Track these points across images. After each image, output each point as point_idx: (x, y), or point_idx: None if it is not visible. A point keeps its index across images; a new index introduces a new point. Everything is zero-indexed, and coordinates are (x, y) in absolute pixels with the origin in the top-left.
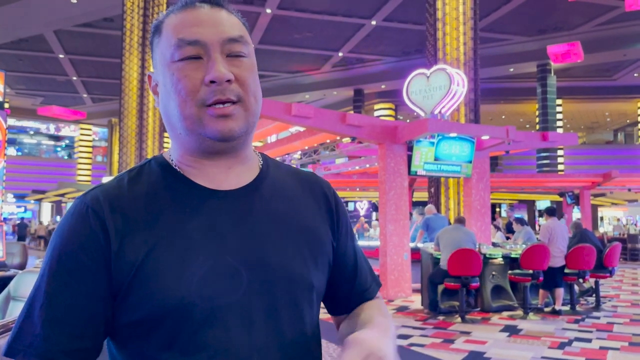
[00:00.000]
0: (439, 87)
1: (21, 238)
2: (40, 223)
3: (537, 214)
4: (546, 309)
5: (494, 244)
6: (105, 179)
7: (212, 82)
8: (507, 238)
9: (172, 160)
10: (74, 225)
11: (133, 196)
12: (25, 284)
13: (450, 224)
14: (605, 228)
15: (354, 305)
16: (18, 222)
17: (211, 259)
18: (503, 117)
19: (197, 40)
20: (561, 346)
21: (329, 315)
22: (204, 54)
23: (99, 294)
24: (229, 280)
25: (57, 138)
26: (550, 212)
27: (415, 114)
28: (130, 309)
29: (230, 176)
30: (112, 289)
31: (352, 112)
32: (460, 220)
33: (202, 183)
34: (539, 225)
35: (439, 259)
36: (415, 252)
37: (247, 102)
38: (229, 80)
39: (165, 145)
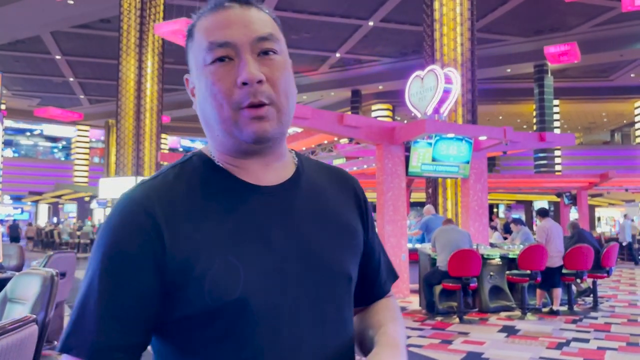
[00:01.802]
0: (430, 87)
1: (14, 239)
2: (30, 224)
3: (534, 214)
4: (544, 310)
5: (492, 245)
6: (103, 180)
7: (244, 83)
8: (505, 238)
9: (213, 157)
10: (125, 224)
11: (181, 193)
12: (22, 286)
13: None
14: (603, 228)
15: (371, 298)
16: (11, 223)
17: (261, 256)
18: (500, 117)
19: (227, 42)
20: (559, 346)
21: None
22: (235, 55)
23: (151, 291)
24: (279, 276)
25: (54, 139)
26: (543, 213)
27: (412, 114)
28: (183, 305)
29: (269, 172)
30: (164, 285)
31: (349, 113)
32: (450, 221)
33: (244, 179)
34: (537, 226)
35: (436, 259)
36: (413, 252)
37: (279, 103)
38: (260, 81)
39: (162, 146)
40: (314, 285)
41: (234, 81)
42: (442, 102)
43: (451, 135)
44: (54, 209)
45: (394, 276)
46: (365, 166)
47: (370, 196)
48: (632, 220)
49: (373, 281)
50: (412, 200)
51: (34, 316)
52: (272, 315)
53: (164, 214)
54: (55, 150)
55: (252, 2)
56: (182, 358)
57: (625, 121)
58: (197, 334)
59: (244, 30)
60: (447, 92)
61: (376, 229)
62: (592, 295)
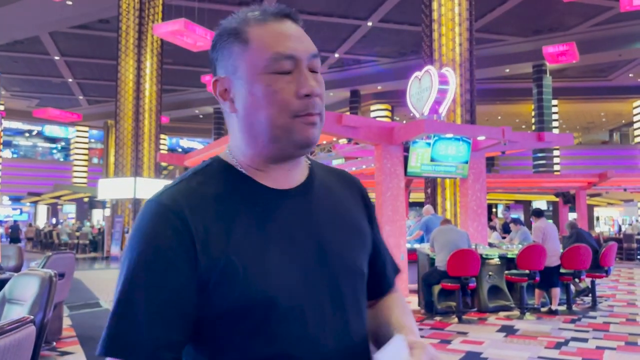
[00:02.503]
0: (426, 88)
1: (14, 240)
2: (30, 225)
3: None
4: (542, 309)
5: (490, 245)
6: (102, 181)
7: (307, 95)
8: (504, 238)
9: (234, 163)
10: (158, 227)
11: (206, 197)
12: (20, 287)
13: None
14: (602, 228)
15: (379, 293)
16: (11, 224)
17: (286, 256)
18: (499, 117)
19: (292, 56)
20: (558, 346)
21: None
22: (294, 68)
23: (189, 290)
24: (303, 275)
25: (53, 140)
26: (538, 213)
27: (411, 114)
28: (216, 302)
29: (288, 177)
30: (199, 285)
31: (348, 113)
32: (448, 221)
33: (265, 183)
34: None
35: (435, 259)
36: (412, 252)
37: (323, 116)
38: (317, 95)
39: (162, 147)
40: (335, 283)
41: (294, 92)
42: (438, 102)
43: (450, 135)
44: (53, 210)
45: (396, 270)
46: (364, 166)
47: (369, 196)
48: None
49: (381, 276)
50: (411, 200)
51: (32, 317)
52: (298, 313)
53: (193, 217)
54: (54, 151)
55: (300, 21)
56: (214, 354)
57: (623, 121)
58: (227, 331)
59: (302, 46)
60: (442, 92)
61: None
62: (590, 294)
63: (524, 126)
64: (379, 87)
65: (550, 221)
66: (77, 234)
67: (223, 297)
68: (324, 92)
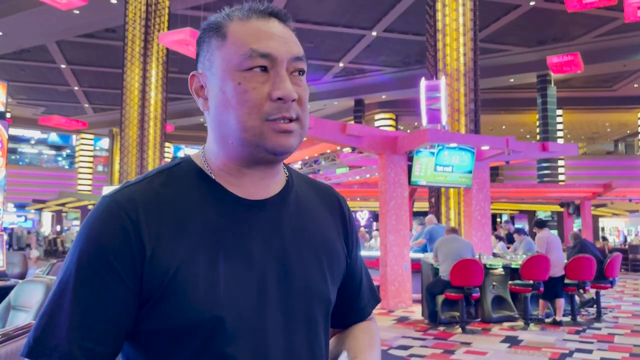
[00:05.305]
0: (424, 98)
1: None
2: (29, 233)
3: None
4: (547, 320)
5: (495, 255)
6: (106, 189)
7: (279, 98)
8: (507, 248)
9: (205, 166)
10: (105, 227)
11: (166, 200)
12: (25, 294)
13: None
14: (607, 238)
15: (350, 321)
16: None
17: (241, 272)
18: (503, 127)
19: (269, 54)
20: (562, 357)
21: None
22: (271, 68)
23: (127, 300)
24: (257, 295)
25: (58, 147)
26: (541, 224)
27: (415, 124)
28: (160, 316)
29: (260, 186)
30: (141, 295)
31: (352, 122)
32: (454, 230)
33: (234, 191)
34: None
35: (439, 269)
36: (415, 262)
37: (303, 121)
38: (293, 99)
39: (166, 155)
40: (292, 306)
41: (267, 93)
42: (434, 110)
43: (454, 145)
44: (58, 217)
45: (375, 300)
46: (368, 175)
47: (374, 205)
48: None
49: (352, 305)
50: (415, 209)
51: None
52: (247, 335)
53: (147, 220)
54: (59, 158)
55: (289, 21)
56: None
57: (628, 131)
58: (171, 347)
59: (284, 47)
60: (432, 99)
61: (360, 251)
62: (595, 305)
63: (528, 136)
64: (383, 97)
65: (555, 232)
66: None
67: (167, 312)
68: (306, 95)
